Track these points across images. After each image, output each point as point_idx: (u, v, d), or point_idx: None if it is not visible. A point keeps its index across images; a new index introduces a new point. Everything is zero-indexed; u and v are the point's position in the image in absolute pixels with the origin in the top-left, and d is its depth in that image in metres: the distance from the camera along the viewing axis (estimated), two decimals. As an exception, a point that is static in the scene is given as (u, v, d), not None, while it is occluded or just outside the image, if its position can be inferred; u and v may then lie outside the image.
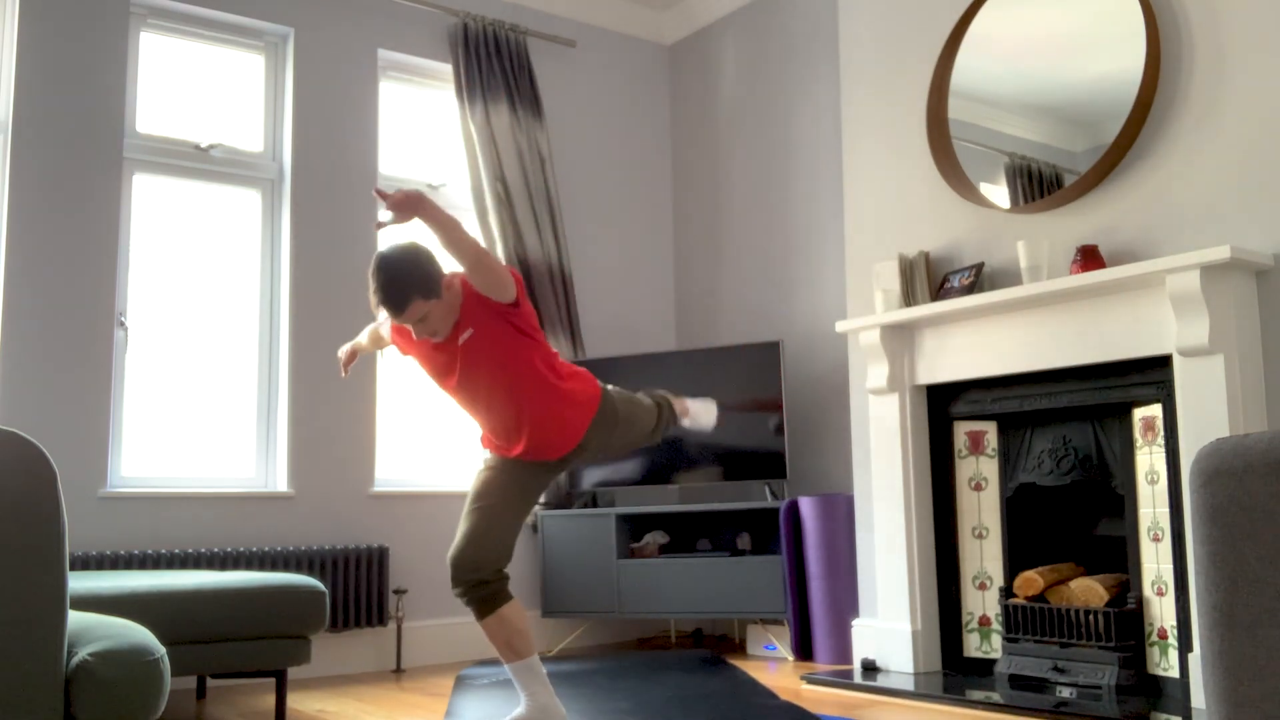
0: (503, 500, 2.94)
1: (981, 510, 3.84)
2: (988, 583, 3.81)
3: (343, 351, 3.26)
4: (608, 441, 3.09)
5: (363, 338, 3.27)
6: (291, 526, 4.34)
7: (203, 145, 4.43)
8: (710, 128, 5.49)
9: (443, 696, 3.75)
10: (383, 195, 2.55)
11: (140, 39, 4.35)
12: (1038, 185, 3.65)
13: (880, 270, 4.00)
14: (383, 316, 2.94)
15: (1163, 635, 3.31)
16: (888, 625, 3.91)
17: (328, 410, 4.48)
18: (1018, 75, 3.73)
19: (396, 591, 4.50)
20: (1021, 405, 3.67)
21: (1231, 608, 1.35)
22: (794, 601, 4.36)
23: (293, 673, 4.26)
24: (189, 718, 3.47)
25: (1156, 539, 3.33)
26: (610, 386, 3.12)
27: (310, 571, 4.20)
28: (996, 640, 3.77)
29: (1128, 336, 3.31)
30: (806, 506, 4.35)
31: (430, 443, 4.86)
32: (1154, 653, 3.34)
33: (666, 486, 5.10)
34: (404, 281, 2.68)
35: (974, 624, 3.83)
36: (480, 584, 2.86)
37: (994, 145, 3.79)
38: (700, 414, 3.42)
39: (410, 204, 2.59)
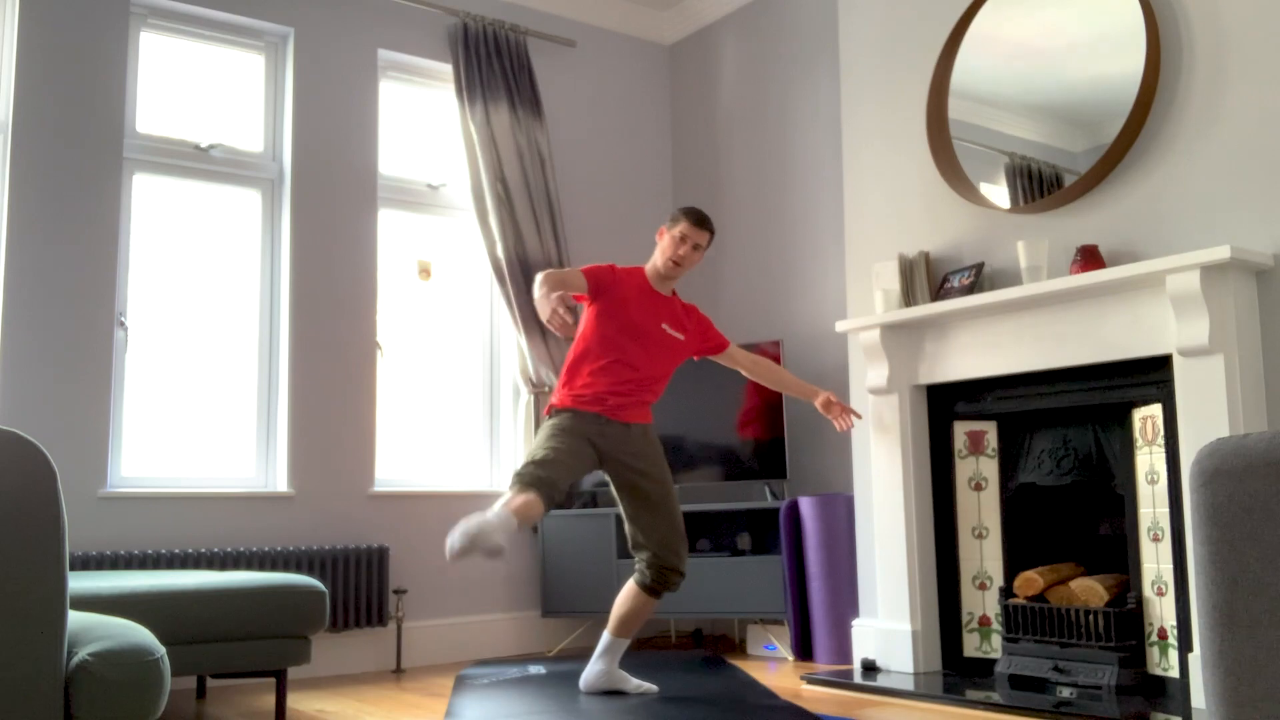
0: (571, 472, 3.41)
1: (981, 510, 3.84)
2: (988, 583, 3.81)
3: (555, 301, 3.31)
4: (654, 461, 3.53)
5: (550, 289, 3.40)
6: (291, 526, 4.34)
7: (203, 145, 4.43)
8: (710, 128, 5.49)
9: (443, 696, 3.75)
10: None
11: (140, 39, 4.35)
12: (1038, 185, 3.65)
13: (880, 270, 4.00)
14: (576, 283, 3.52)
15: (1163, 635, 3.31)
16: (888, 625, 3.91)
17: (328, 410, 4.48)
18: (1018, 75, 3.73)
19: (396, 591, 4.50)
20: (1021, 405, 3.67)
21: (1231, 608, 1.35)
22: (794, 601, 4.35)
23: (293, 673, 4.25)
24: (189, 718, 3.47)
25: (1156, 539, 3.33)
26: None
27: (310, 571, 4.20)
28: (996, 640, 3.77)
29: (1128, 336, 3.31)
30: (806, 506, 4.35)
31: (430, 443, 4.86)
32: (1154, 653, 3.34)
33: (666, 486, 5.09)
34: (713, 227, 3.66)
35: (974, 624, 3.83)
36: (536, 480, 3.24)
37: (994, 145, 3.79)
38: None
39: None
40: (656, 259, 3.60)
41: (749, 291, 5.19)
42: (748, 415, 4.70)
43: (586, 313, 3.58)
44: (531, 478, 3.23)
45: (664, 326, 3.56)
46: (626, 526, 3.54)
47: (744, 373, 3.82)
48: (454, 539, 2.96)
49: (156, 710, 1.72)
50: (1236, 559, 1.35)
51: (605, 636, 3.54)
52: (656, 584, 3.45)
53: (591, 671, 3.55)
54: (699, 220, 3.56)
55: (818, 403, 3.77)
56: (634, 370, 3.50)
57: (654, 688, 3.55)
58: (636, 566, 3.49)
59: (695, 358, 3.76)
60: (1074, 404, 3.53)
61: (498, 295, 4.95)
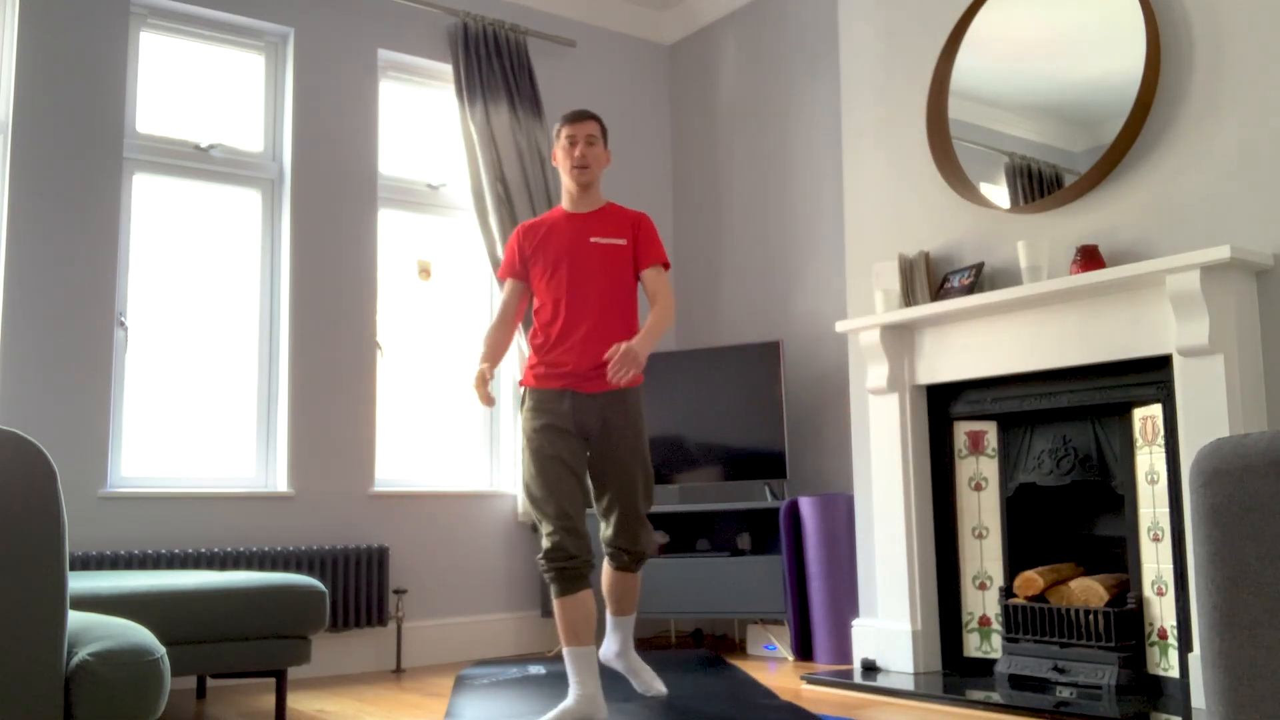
0: (580, 483, 3.18)
1: (981, 510, 3.84)
2: (988, 583, 3.81)
3: (476, 382, 3.23)
4: (614, 432, 3.24)
5: (484, 356, 3.31)
6: (291, 526, 4.34)
7: (203, 145, 4.43)
8: (710, 128, 5.49)
9: (443, 696, 3.75)
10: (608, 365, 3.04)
11: (140, 39, 4.35)
12: (1038, 185, 3.65)
13: (880, 270, 4.00)
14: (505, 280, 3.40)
15: (1163, 635, 3.31)
16: (888, 625, 3.91)
17: (328, 410, 4.48)
18: (1018, 75, 3.73)
19: (396, 591, 4.50)
20: (1021, 405, 3.67)
21: (1231, 608, 1.35)
22: (794, 601, 4.36)
23: (293, 673, 4.26)
24: (189, 718, 3.47)
25: (1156, 539, 3.33)
26: None
27: (310, 571, 4.20)
28: (996, 640, 3.77)
29: (1128, 336, 3.31)
30: (806, 506, 4.35)
31: (430, 443, 4.86)
32: (1154, 653, 3.34)
33: (667, 486, 5.10)
34: (594, 114, 3.38)
35: (974, 624, 3.83)
36: (572, 564, 3.03)
37: (994, 145, 3.79)
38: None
39: (635, 363, 3.02)
40: (563, 179, 3.34)
41: (749, 291, 5.19)
42: (763, 416, 4.70)
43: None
44: (562, 573, 3.03)
45: (593, 239, 3.27)
46: (590, 494, 3.37)
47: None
48: None
49: (156, 710, 1.71)
50: (1236, 559, 1.35)
51: (608, 616, 3.53)
52: (617, 565, 3.38)
53: (608, 648, 3.52)
54: (574, 115, 3.30)
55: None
56: (581, 304, 3.21)
57: (664, 691, 3.51)
58: (602, 545, 3.40)
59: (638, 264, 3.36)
60: (1074, 404, 3.53)
61: (498, 295, 4.95)
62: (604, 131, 3.35)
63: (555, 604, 3.07)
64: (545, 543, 3.07)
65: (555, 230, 3.31)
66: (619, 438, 3.25)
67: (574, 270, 3.24)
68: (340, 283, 4.58)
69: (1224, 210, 3.19)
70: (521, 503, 4.84)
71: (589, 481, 3.33)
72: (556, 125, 3.33)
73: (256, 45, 4.63)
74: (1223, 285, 3.07)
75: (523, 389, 3.29)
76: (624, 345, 3.00)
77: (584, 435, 3.25)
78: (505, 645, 4.81)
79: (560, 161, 3.32)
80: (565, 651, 3.05)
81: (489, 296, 5.07)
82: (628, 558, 3.35)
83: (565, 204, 3.36)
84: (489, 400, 3.18)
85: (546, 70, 5.29)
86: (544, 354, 3.25)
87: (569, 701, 3.02)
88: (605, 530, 3.35)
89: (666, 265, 3.34)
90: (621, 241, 3.29)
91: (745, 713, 3.18)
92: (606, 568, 3.43)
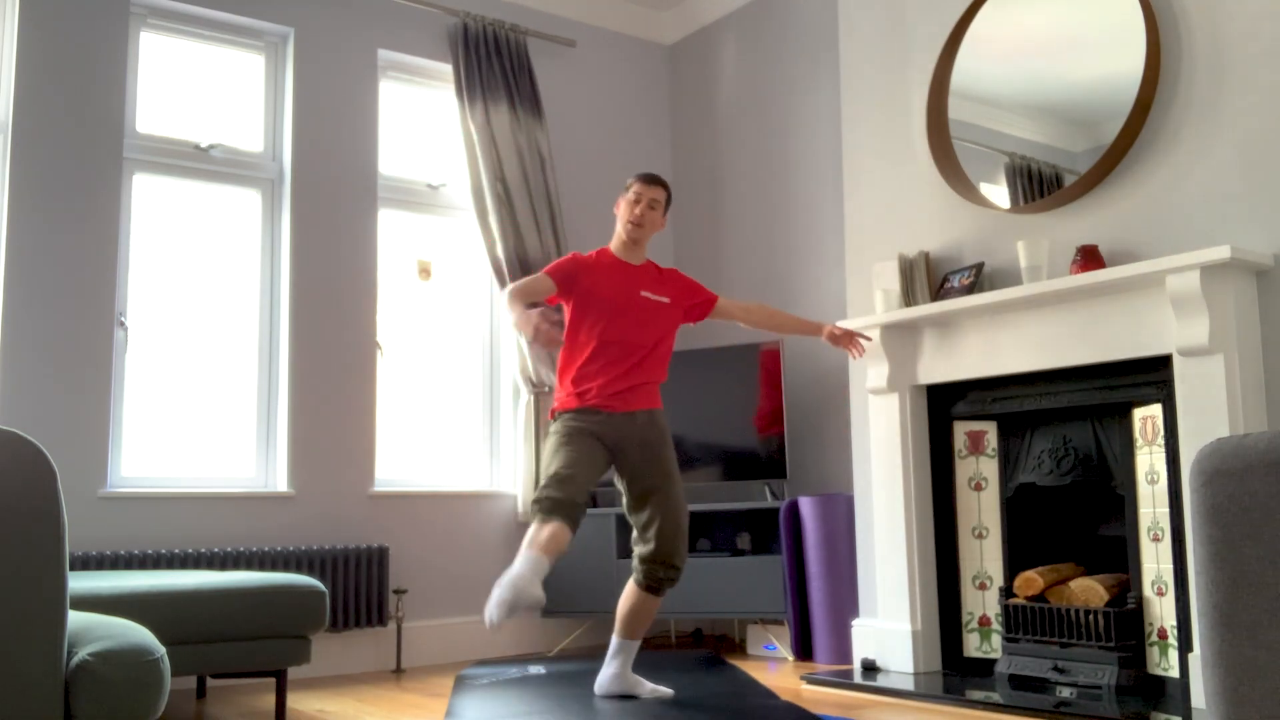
0: (592, 468, 3.34)
1: (981, 510, 3.84)
2: (988, 583, 3.81)
3: (536, 317, 3.24)
4: (653, 451, 3.41)
5: (518, 313, 3.36)
6: (291, 526, 4.34)
7: (203, 145, 4.42)
8: (710, 128, 5.49)
9: (443, 696, 3.75)
10: None
11: (140, 39, 4.35)
12: (1038, 185, 3.65)
13: (880, 270, 4.00)
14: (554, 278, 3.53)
15: (1163, 635, 3.31)
16: (888, 625, 3.91)
17: (328, 410, 4.48)
18: (1018, 75, 3.73)
19: (396, 591, 4.50)
20: (1021, 405, 3.67)
21: (1232, 608, 1.35)
22: (794, 601, 4.35)
23: (293, 673, 4.25)
24: (189, 718, 3.47)
25: (1156, 539, 3.33)
26: None
27: (310, 571, 4.20)
28: (996, 640, 3.77)
29: (1128, 336, 3.31)
30: (806, 506, 4.35)
31: (430, 443, 4.86)
32: (1154, 653, 3.34)
33: (666, 486, 5.09)
34: (666, 183, 3.63)
35: (974, 624, 3.83)
36: (559, 504, 3.17)
37: (994, 145, 3.79)
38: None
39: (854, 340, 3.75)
40: (618, 229, 3.58)
41: (749, 291, 5.19)
42: (763, 416, 4.70)
43: (565, 310, 3.53)
44: (551, 504, 3.17)
45: (643, 294, 3.50)
46: (629, 518, 3.43)
47: (741, 324, 3.76)
48: (492, 612, 2.94)
49: (156, 710, 1.72)
50: (1236, 559, 1.35)
51: (614, 639, 3.46)
52: (650, 582, 3.35)
53: (605, 675, 3.47)
54: (649, 178, 3.56)
55: (823, 336, 3.70)
56: (624, 349, 3.44)
57: (669, 692, 3.48)
58: (633, 564, 3.41)
59: (692, 323, 3.70)
60: (1074, 404, 3.53)
61: (498, 295, 4.95)
62: (669, 200, 3.61)
63: (533, 526, 3.15)
64: (535, 494, 3.22)
65: (611, 274, 3.50)
66: (658, 455, 3.42)
67: (627, 319, 3.45)
68: (340, 283, 4.58)
69: (1224, 210, 3.19)
70: (521, 503, 4.84)
71: (625, 500, 3.46)
72: (632, 180, 3.57)
73: (256, 45, 4.63)
74: (1223, 285, 3.07)
75: (555, 415, 3.44)
76: (841, 328, 3.67)
77: (618, 450, 3.40)
78: (505, 645, 4.81)
79: (621, 211, 3.57)
80: (523, 552, 3.06)
81: (489, 296, 5.07)
82: (664, 574, 3.35)
83: (615, 249, 3.58)
84: (549, 327, 3.28)
85: (546, 70, 5.29)
86: (577, 385, 3.42)
87: (515, 567, 3.02)
88: (645, 547, 3.36)
89: None
90: (665, 300, 3.54)
91: (745, 713, 3.18)
92: (630, 589, 3.40)
